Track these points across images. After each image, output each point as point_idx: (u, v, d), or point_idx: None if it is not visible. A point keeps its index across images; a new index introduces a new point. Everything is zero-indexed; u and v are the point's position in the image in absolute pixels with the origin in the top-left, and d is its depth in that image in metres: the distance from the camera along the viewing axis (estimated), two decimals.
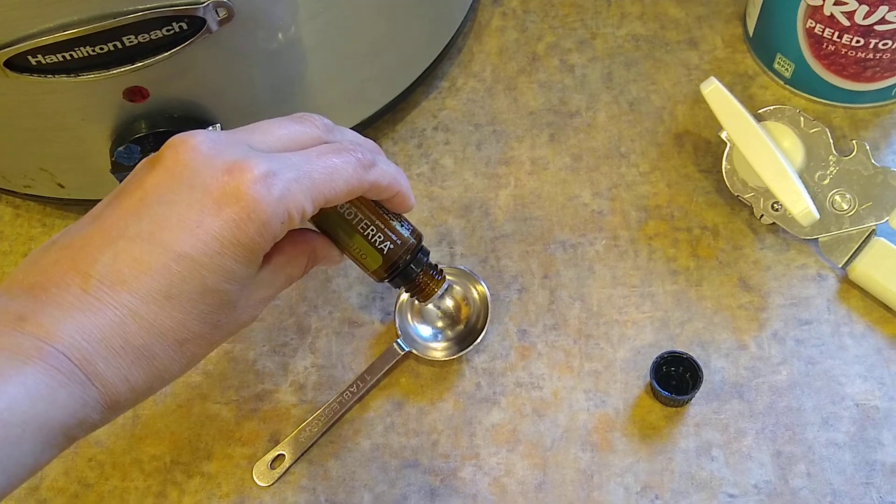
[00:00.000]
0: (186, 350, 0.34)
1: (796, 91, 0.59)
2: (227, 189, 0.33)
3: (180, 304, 0.33)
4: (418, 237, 0.43)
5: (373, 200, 0.41)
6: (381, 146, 0.59)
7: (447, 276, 0.51)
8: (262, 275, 0.37)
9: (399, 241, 0.42)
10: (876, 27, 0.51)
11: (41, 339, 0.31)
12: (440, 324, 0.52)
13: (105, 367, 0.32)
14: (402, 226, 0.42)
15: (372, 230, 0.41)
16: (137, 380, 0.33)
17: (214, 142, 0.35)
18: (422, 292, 0.45)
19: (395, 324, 0.51)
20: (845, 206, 0.52)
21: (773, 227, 0.54)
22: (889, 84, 0.56)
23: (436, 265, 0.45)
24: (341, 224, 0.41)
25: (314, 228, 0.41)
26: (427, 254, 0.44)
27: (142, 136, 0.46)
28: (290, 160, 0.35)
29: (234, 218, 0.33)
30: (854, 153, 0.52)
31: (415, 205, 0.42)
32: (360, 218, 0.41)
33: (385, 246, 0.41)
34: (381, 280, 0.43)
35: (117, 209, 0.34)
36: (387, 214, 0.42)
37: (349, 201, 0.40)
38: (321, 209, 0.39)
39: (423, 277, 0.44)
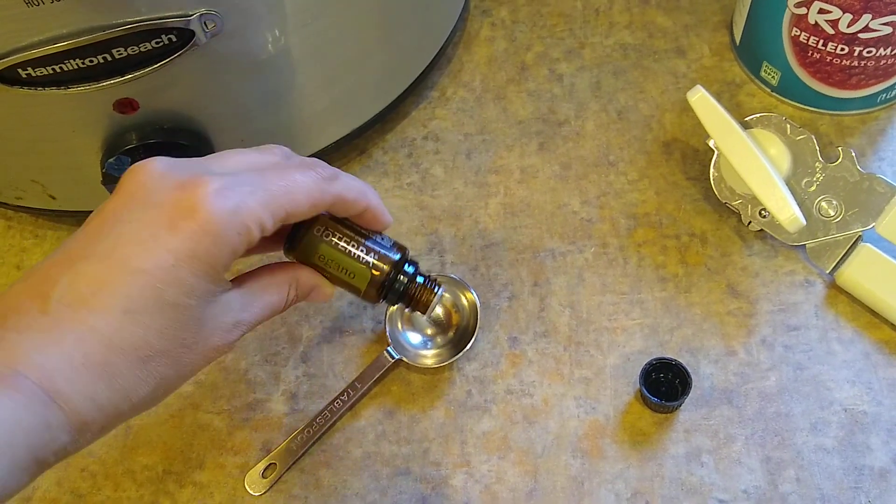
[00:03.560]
0: (152, 369, 0.34)
1: (783, 99, 0.59)
2: (181, 203, 0.34)
3: (139, 319, 0.33)
4: (402, 250, 0.42)
5: (347, 220, 0.41)
6: (370, 156, 0.60)
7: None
8: (231, 296, 0.37)
9: (382, 257, 0.41)
10: (860, 35, 0.52)
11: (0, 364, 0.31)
12: (430, 331, 0.52)
13: (67, 385, 0.32)
14: (382, 241, 0.42)
15: (352, 248, 0.41)
16: (102, 398, 0.33)
17: (171, 164, 0.36)
18: (419, 304, 0.44)
19: (385, 332, 0.52)
20: (832, 213, 0.52)
21: (761, 234, 0.54)
22: (874, 91, 0.56)
23: (427, 274, 0.44)
24: (319, 247, 0.40)
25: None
26: (416, 265, 0.44)
27: (132, 147, 0.47)
28: (245, 177, 0.36)
29: (187, 231, 0.33)
30: (840, 160, 0.52)
31: (391, 221, 0.42)
32: (338, 239, 0.41)
33: (369, 263, 0.41)
34: (376, 300, 0.42)
35: (79, 235, 0.35)
36: (364, 232, 0.41)
37: (323, 224, 0.40)
38: (299, 241, 0.39)
39: (417, 289, 0.43)
